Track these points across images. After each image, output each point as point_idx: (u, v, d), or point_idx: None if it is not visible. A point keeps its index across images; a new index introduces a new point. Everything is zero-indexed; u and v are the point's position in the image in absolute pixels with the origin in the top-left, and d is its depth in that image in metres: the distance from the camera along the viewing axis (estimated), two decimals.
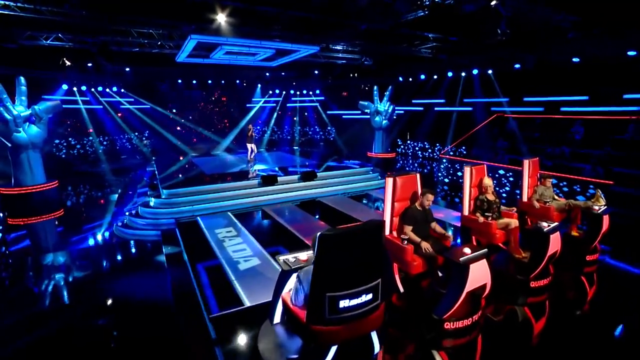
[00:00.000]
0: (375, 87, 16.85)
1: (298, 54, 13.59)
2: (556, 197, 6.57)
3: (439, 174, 13.63)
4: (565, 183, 10.48)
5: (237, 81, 21.07)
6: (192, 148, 19.71)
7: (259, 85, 21.47)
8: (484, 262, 4.16)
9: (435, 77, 17.24)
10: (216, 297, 5.33)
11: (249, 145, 14.30)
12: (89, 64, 16.41)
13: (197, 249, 7.09)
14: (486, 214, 5.54)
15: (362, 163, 14.44)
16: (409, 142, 20.42)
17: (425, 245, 4.62)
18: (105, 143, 18.20)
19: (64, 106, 16.55)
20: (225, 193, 9.94)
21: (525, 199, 6.55)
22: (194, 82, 20.01)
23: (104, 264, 7.01)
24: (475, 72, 14.95)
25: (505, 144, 12.86)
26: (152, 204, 9.64)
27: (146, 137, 19.46)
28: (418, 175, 5.08)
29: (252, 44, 11.47)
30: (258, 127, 22.36)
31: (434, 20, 11.16)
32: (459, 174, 12.66)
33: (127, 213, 9.54)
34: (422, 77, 17.68)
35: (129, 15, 9.92)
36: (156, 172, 12.79)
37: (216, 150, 19.61)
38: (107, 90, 18.18)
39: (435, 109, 17.91)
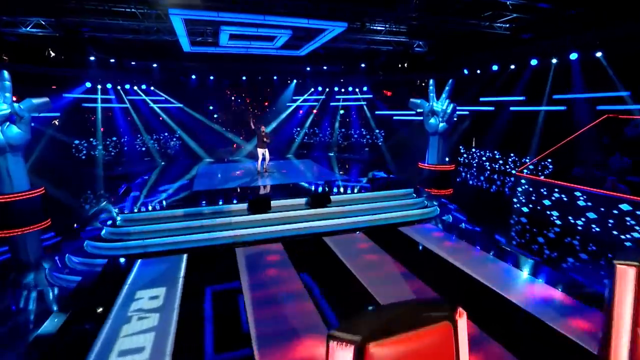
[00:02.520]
0: (431, 81, 12.69)
1: (323, 36, 10.13)
2: None
3: (514, 201, 9.25)
4: None
5: (275, 77, 18.19)
6: (209, 153, 17.21)
7: (295, 81, 18.33)
8: None
9: (512, 66, 12.62)
10: None
11: (259, 152, 11.16)
12: (112, 60, 14.67)
13: (74, 334, 4.06)
14: None
15: (392, 177, 10.57)
16: (473, 150, 15.85)
17: None
18: (128, 144, 16.42)
19: (85, 105, 15.11)
20: (196, 222, 6.88)
21: None
22: (227, 80, 17.54)
23: None
24: (573, 56, 10.19)
25: (626, 161, 8.11)
26: (103, 232, 6.93)
27: (177, 138, 17.41)
28: None
29: (252, 20, 8.30)
30: (297, 129, 19.25)
31: None
32: (547, 202, 8.22)
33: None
34: (495, 67, 13.13)
35: None
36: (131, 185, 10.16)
37: (236, 156, 16.88)
38: (135, 88, 16.37)
39: (511, 108, 13.23)
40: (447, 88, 12.43)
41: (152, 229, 6.66)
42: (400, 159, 15.74)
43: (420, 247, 6.34)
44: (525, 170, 10.57)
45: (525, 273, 5.41)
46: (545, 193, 8.26)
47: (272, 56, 14.32)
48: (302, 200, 7.78)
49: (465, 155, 16.17)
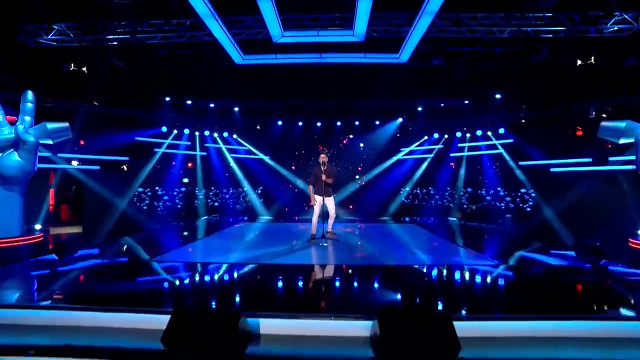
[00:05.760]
0: None
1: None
2: None
3: None
4: None
5: (377, 122, 13.93)
6: (272, 210, 13.77)
7: (399, 120, 13.68)
8: None
9: None
10: None
11: (316, 202, 6.44)
12: (188, 102, 12.75)
13: None
14: None
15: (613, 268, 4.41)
16: None
17: None
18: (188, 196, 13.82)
19: (156, 150, 12.98)
20: None
21: None
22: (319, 124, 14.02)
23: None
24: None
25: None
26: None
27: (258, 192, 14.32)
28: None
29: None
30: (406, 189, 14.03)
31: None
32: None
33: None
34: None
35: None
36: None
37: (306, 215, 12.45)
38: (215, 135, 14.13)
39: None
40: None
41: None
42: (575, 231, 8.90)
43: None
44: None
45: None
46: None
47: (365, 79, 10.31)
48: (358, 328, 2.49)
49: None
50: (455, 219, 12.95)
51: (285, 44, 7.27)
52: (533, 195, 12.16)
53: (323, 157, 6.62)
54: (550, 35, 6.90)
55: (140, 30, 7.02)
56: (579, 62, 7.01)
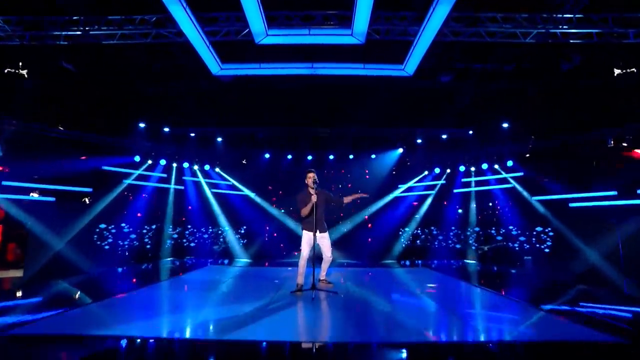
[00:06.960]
0: None
1: None
2: None
3: None
4: None
5: (373, 155, 12.73)
6: (249, 251, 12.12)
7: (399, 151, 12.45)
8: None
9: None
10: None
11: (305, 239, 4.93)
12: (165, 129, 11.42)
13: None
14: None
15: None
16: None
17: None
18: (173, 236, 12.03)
19: (125, 181, 10.59)
20: None
21: None
22: (309, 157, 12.72)
23: None
24: None
25: None
26: None
27: (241, 232, 12.60)
28: None
29: None
30: (406, 230, 12.49)
31: None
32: None
33: None
34: None
35: None
36: None
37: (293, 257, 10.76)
38: (196, 167, 12.66)
39: None
40: None
41: None
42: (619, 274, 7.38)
43: None
44: None
45: None
46: None
47: (363, 101, 9.21)
48: None
49: None
50: (474, 261, 11.38)
51: (271, 49, 6.11)
52: (551, 234, 10.70)
53: (311, 176, 5.15)
54: (580, 41, 5.87)
55: (97, 28, 5.80)
56: (617, 71, 5.94)
